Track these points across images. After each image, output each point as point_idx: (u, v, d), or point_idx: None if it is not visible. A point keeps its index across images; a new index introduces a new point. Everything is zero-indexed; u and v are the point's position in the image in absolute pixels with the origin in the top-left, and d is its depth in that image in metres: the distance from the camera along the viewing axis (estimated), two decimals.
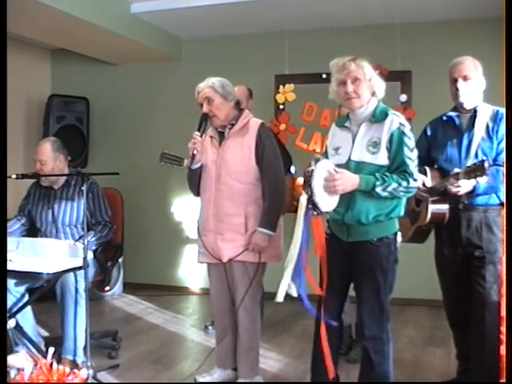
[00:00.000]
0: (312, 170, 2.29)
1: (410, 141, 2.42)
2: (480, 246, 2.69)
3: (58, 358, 3.09)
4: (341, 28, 5.15)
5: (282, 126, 5.01)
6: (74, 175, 3.53)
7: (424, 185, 2.70)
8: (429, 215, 2.70)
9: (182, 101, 5.29)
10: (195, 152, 2.94)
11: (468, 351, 2.81)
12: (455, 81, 2.73)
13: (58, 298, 3.27)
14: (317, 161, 2.33)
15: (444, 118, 2.85)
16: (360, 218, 2.44)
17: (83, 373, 2.00)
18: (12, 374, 2.07)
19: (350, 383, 2.85)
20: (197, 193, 3.12)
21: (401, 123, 2.43)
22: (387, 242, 2.46)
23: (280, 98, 5.07)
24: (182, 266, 5.75)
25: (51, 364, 1.96)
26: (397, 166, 2.40)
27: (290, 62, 5.08)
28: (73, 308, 3.20)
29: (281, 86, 5.07)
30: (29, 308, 3.30)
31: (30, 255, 2.95)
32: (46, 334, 3.99)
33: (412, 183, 2.38)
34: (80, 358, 3.19)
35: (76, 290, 3.21)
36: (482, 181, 2.40)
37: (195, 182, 3.09)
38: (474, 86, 2.72)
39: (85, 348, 3.00)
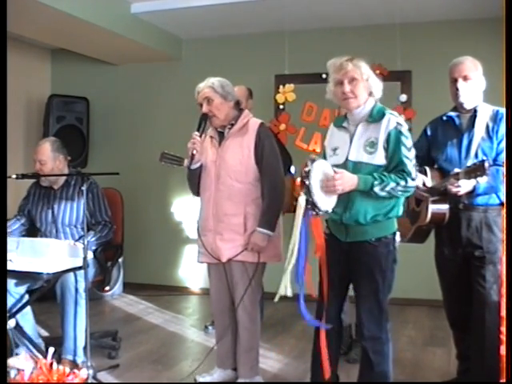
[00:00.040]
0: (308, 171, 2.30)
1: (408, 140, 2.42)
2: (480, 245, 2.69)
3: (58, 358, 3.09)
4: (341, 28, 5.15)
5: (282, 126, 5.01)
6: (74, 175, 3.53)
7: (424, 185, 2.70)
8: (429, 215, 2.70)
9: (182, 101, 5.29)
10: (194, 152, 2.94)
11: (468, 351, 2.81)
12: (455, 81, 2.73)
13: (58, 298, 3.27)
14: (313, 161, 2.34)
15: (444, 117, 2.86)
16: (358, 218, 2.44)
17: (83, 373, 2.00)
18: (12, 374, 2.07)
19: (350, 383, 2.85)
20: (197, 193, 3.13)
21: (398, 123, 2.43)
22: (386, 242, 2.46)
23: (280, 98, 5.06)
24: (182, 266, 5.75)
25: (51, 364, 1.96)
26: (394, 166, 2.40)
27: (290, 62, 5.08)
28: (73, 308, 3.20)
29: (281, 86, 5.06)
30: (29, 309, 3.30)
31: (30, 255, 2.95)
32: (45, 333, 3.99)
33: (410, 182, 2.39)
34: (80, 358, 3.19)
35: (76, 290, 3.21)
36: (482, 181, 2.40)
37: (195, 181, 3.09)
38: (474, 86, 2.72)
39: (85, 348, 3.00)
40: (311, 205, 2.31)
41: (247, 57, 5.48)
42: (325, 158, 2.62)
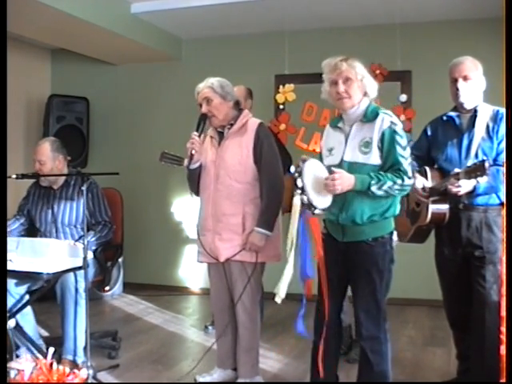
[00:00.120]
0: (300, 171, 2.33)
1: (402, 139, 2.42)
2: (480, 245, 2.69)
3: (58, 358, 3.09)
4: (341, 28, 5.15)
5: (282, 126, 5.01)
6: (74, 175, 3.53)
7: (424, 189, 2.70)
8: (429, 215, 2.70)
9: (182, 101, 5.29)
10: (193, 152, 2.94)
11: (468, 351, 2.81)
12: (455, 81, 2.73)
13: (58, 298, 3.27)
14: (304, 161, 2.37)
15: (444, 117, 2.85)
16: (355, 219, 2.45)
17: (83, 373, 1.99)
18: (12, 374, 2.07)
19: (350, 383, 2.85)
20: (196, 192, 3.13)
21: (392, 122, 2.43)
22: (382, 242, 2.47)
23: (280, 97, 5.06)
24: (182, 266, 5.75)
25: (51, 364, 1.96)
26: (390, 165, 2.41)
27: (290, 62, 5.08)
28: (73, 308, 3.20)
29: (281, 86, 5.07)
30: (30, 309, 3.30)
31: (29, 255, 2.95)
32: (46, 334, 3.99)
33: (407, 181, 2.39)
34: (80, 358, 3.19)
35: (76, 290, 3.21)
36: (483, 181, 2.40)
37: (194, 181, 3.09)
38: (474, 86, 2.72)
39: (85, 348, 2.99)
40: (307, 204, 2.33)
41: (247, 57, 5.48)
42: (321, 158, 2.63)
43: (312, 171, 2.37)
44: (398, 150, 2.39)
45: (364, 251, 2.46)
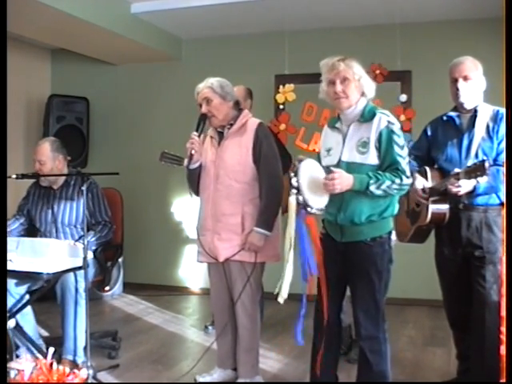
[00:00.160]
0: (296, 171, 2.34)
1: (400, 138, 2.43)
2: (480, 245, 2.69)
3: (58, 358, 3.09)
4: (341, 28, 5.15)
5: (282, 126, 5.01)
6: (74, 175, 3.53)
7: (424, 189, 2.70)
8: (429, 215, 2.70)
9: (182, 101, 5.28)
10: (193, 152, 2.94)
11: (468, 351, 2.80)
12: (455, 81, 2.73)
13: (58, 298, 3.27)
14: (300, 161, 2.38)
15: (444, 117, 2.85)
16: (353, 219, 2.45)
17: (83, 373, 1.99)
18: (12, 374, 2.07)
19: (350, 383, 2.85)
20: (196, 192, 3.13)
21: (389, 121, 2.43)
22: (381, 242, 2.47)
23: (280, 97, 5.06)
24: (182, 266, 5.75)
25: (51, 364, 1.96)
26: (388, 165, 2.41)
27: (290, 62, 5.07)
28: (73, 308, 3.20)
29: (281, 86, 5.07)
30: (30, 309, 3.30)
31: (29, 255, 2.95)
32: (46, 333, 3.99)
33: (405, 180, 2.39)
34: (80, 358, 3.19)
35: (76, 290, 3.21)
36: (483, 181, 2.40)
37: (194, 181, 3.09)
38: (474, 86, 2.72)
39: (85, 348, 2.99)
40: (302, 204, 2.33)
41: (247, 57, 5.48)
42: (319, 158, 2.63)
43: (308, 171, 2.38)
44: (396, 149, 2.40)
45: (362, 251, 2.46)
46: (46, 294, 3.23)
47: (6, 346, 2.40)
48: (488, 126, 2.70)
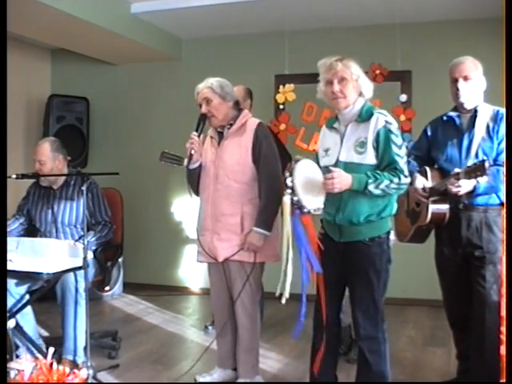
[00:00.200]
0: (292, 170, 2.34)
1: (398, 138, 2.43)
2: (480, 245, 2.69)
3: (58, 358, 3.09)
4: (341, 28, 5.15)
5: (282, 126, 5.01)
6: (74, 175, 3.53)
7: (424, 189, 2.70)
8: (429, 215, 2.70)
9: (182, 101, 5.28)
10: (193, 152, 2.95)
11: (468, 351, 2.81)
12: (456, 81, 2.73)
13: (58, 298, 3.27)
14: (297, 161, 2.38)
15: (444, 117, 2.85)
16: (351, 219, 2.45)
17: (83, 373, 1.99)
18: (12, 374, 2.07)
19: (350, 383, 2.85)
20: (196, 192, 3.13)
21: (386, 121, 2.43)
22: (379, 242, 2.47)
23: (280, 97, 5.07)
24: (182, 266, 5.75)
25: (51, 364, 1.96)
26: (386, 164, 2.41)
27: (290, 62, 5.07)
28: (73, 308, 3.20)
29: (281, 86, 5.07)
30: (30, 309, 3.30)
31: (29, 255, 2.95)
32: (46, 333, 3.99)
33: (403, 179, 2.40)
34: (80, 358, 3.19)
35: (76, 290, 3.21)
36: (483, 181, 2.40)
37: (194, 181, 3.09)
38: (474, 86, 2.72)
39: (85, 348, 2.99)
40: (297, 204, 2.33)
41: (247, 57, 5.48)
42: (317, 159, 2.63)
43: (303, 171, 2.38)
44: (394, 148, 2.40)
45: (361, 251, 2.46)
46: (46, 294, 3.24)
47: (6, 346, 2.40)
48: (488, 126, 2.70)
